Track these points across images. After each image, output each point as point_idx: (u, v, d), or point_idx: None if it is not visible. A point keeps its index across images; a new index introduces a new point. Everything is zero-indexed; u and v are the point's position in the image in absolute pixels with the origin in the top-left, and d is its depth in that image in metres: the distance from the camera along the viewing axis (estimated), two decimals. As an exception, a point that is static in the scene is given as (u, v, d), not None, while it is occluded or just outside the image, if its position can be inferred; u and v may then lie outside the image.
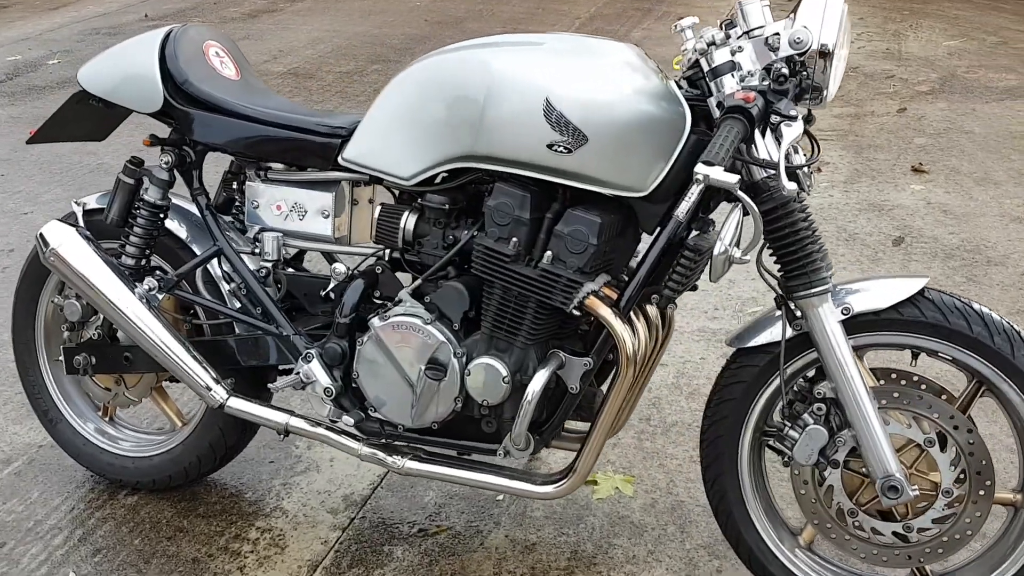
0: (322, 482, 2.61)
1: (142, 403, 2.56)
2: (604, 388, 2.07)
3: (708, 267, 1.72)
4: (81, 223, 2.34)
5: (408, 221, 2.06)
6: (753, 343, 1.94)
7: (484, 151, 1.91)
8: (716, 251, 1.69)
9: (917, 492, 1.85)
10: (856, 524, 1.93)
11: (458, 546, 2.35)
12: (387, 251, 2.15)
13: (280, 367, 2.37)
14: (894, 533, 1.92)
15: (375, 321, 2.05)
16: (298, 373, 2.13)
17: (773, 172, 1.78)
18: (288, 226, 2.23)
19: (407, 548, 2.34)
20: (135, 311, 2.19)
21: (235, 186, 2.30)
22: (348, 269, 2.17)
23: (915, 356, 1.94)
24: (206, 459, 2.46)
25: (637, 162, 1.85)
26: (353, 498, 2.54)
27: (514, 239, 1.91)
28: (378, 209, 2.10)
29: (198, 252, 2.32)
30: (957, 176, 4.52)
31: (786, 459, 1.93)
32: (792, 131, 1.70)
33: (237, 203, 2.34)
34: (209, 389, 2.21)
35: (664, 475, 2.59)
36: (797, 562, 2.02)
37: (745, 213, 1.75)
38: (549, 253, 1.89)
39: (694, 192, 1.84)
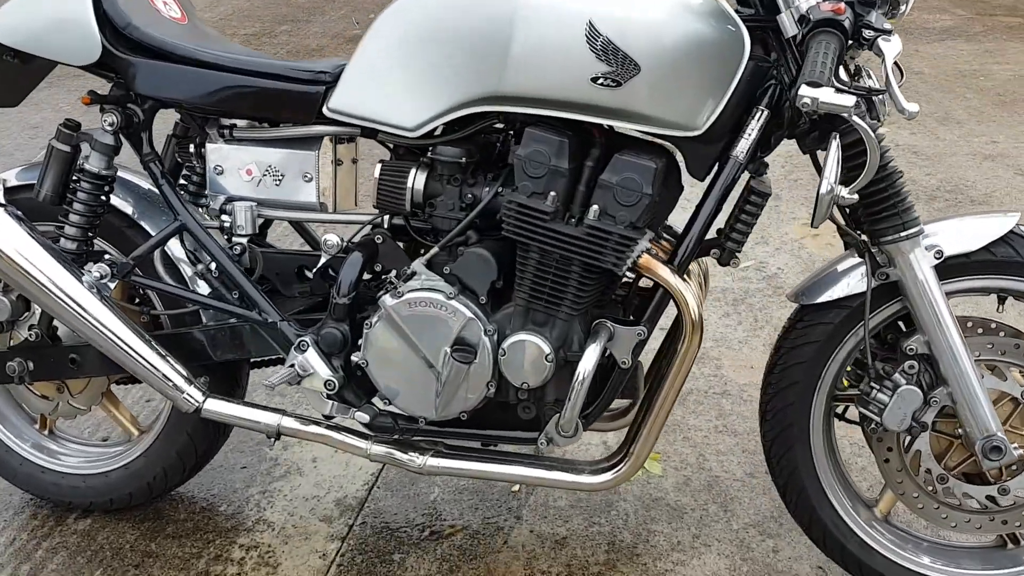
0: (308, 486, 2.28)
1: (88, 412, 2.19)
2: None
3: (813, 211, 1.47)
4: (3, 202, 1.94)
5: (416, 180, 1.74)
6: (825, 298, 1.71)
7: (511, 90, 1.61)
8: (822, 190, 1.44)
9: (1020, 451, 1.66)
10: (946, 490, 1.73)
11: (478, 547, 2.07)
12: (387, 217, 1.83)
13: (253, 360, 2.05)
14: (987, 497, 1.73)
15: (387, 299, 1.73)
16: (292, 366, 1.80)
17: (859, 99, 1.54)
18: (261, 194, 1.88)
19: (420, 555, 2.05)
20: (86, 304, 1.82)
21: (191, 149, 1.94)
22: (342, 240, 1.84)
23: (1002, 301, 1.74)
24: (173, 471, 2.11)
25: (692, 95, 1.59)
26: (347, 502, 2.23)
27: (552, 193, 1.62)
28: (378, 168, 1.78)
29: (152, 230, 1.96)
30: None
31: (872, 426, 1.71)
32: (892, 47, 1.47)
33: (186, 170, 1.99)
34: (181, 391, 1.86)
35: (691, 449, 2.36)
36: (877, 536, 1.81)
37: (851, 146, 1.51)
38: (595, 207, 1.61)
39: (754, 128, 1.62)
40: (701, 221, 1.66)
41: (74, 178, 1.89)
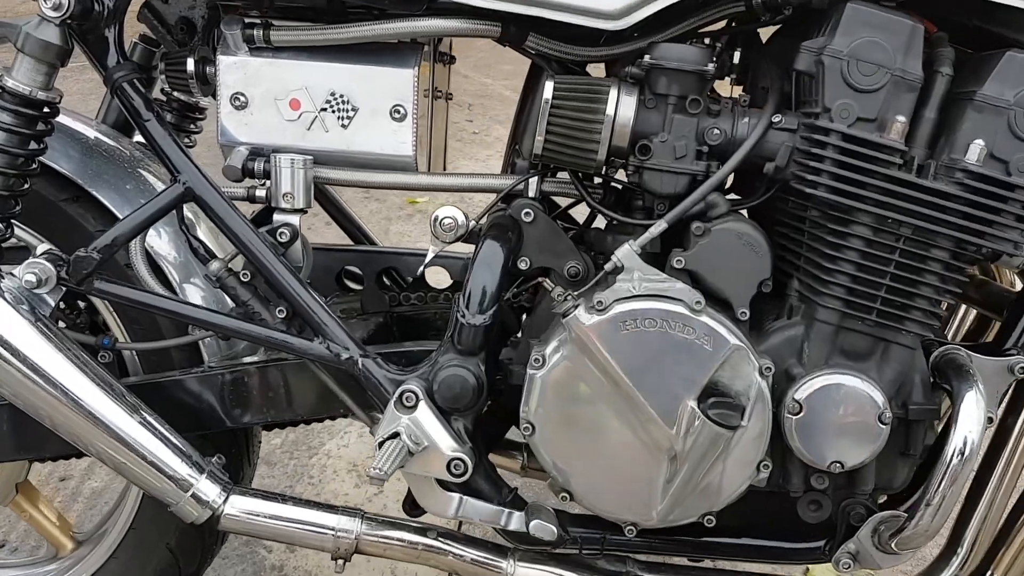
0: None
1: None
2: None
3: None
4: None
5: (622, 107, 1.00)
6: None
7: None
8: None
9: None
10: None
11: None
12: (533, 181, 1.09)
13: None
14: None
15: (580, 316, 0.97)
16: (396, 435, 1.02)
17: None
18: (316, 141, 1.11)
19: None
20: (15, 336, 0.99)
21: (187, 67, 1.15)
22: (467, 220, 1.08)
23: None
24: (142, 608, 1.28)
25: None
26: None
27: (899, 118, 0.92)
28: (548, 88, 1.02)
29: (116, 205, 1.16)
30: None
31: None
32: None
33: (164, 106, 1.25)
34: (186, 487, 1.04)
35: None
36: None
37: None
38: (979, 144, 0.91)
39: None
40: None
41: (-19, 106, 1.06)
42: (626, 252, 0.99)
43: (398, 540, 1.08)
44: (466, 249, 1.16)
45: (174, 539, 1.24)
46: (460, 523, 1.45)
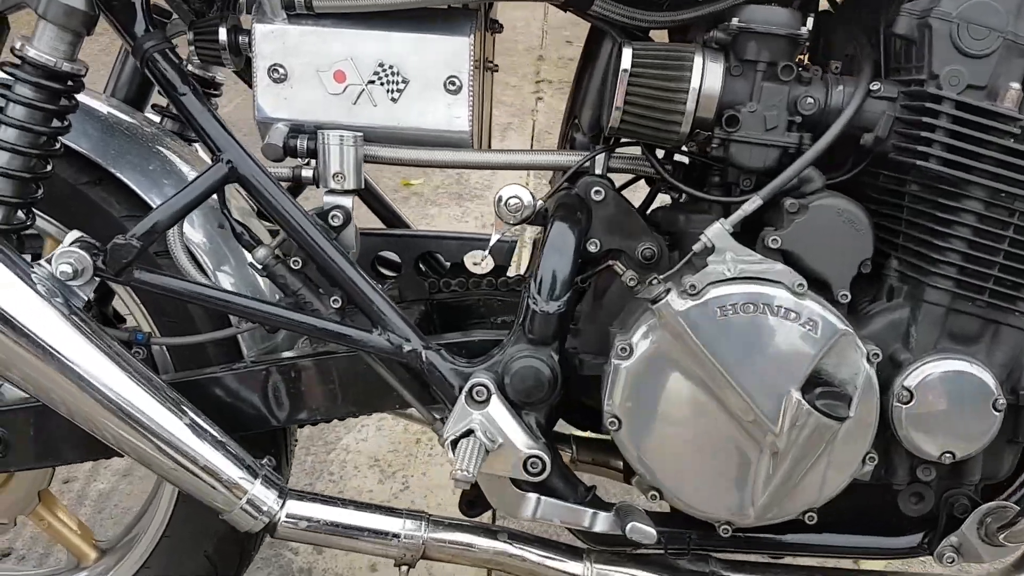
0: (380, 615, 1.41)
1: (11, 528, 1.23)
2: None
3: None
4: None
5: (708, 75, 0.93)
6: None
7: None
8: None
9: None
10: None
11: None
12: (600, 157, 1.02)
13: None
14: None
15: (672, 302, 0.90)
16: (470, 432, 0.94)
17: None
18: (363, 116, 1.02)
19: None
20: (50, 333, 0.89)
21: (220, 37, 1.05)
22: (534, 200, 1.00)
23: None
24: (176, 621, 1.20)
25: None
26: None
27: (1014, 86, 0.86)
28: (627, 56, 0.95)
29: (144, 189, 1.07)
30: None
31: None
32: None
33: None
34: (239, 495, 0.96)
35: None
36: None
37: None
38: (1104, 113, 0.85)
39: None
40: None
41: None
42: (718, 231, 0.92)
43: (467, 544, 1.01)
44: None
45: (212, 546, 1.16)
46: (495, 517, 1.40)
